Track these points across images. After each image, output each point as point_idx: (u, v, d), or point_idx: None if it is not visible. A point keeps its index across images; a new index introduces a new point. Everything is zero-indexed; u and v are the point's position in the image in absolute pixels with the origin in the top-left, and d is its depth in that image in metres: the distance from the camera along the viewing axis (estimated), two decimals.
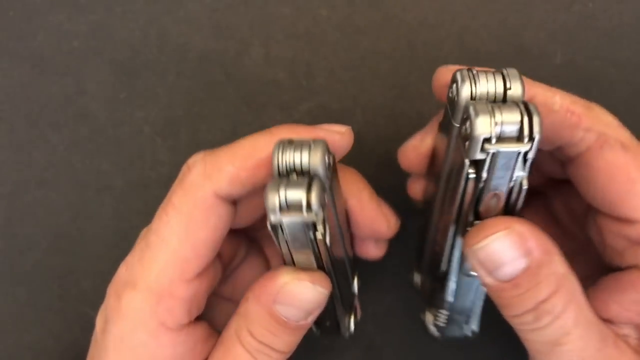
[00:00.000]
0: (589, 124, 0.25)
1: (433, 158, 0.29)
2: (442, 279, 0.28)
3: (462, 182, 0.23)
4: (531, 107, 0.22)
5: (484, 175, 0.22)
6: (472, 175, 0.23)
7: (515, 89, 0.23)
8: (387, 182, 0.36)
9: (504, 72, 0.23)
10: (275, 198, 0.22)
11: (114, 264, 0.37)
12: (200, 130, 0.36)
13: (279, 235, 0.23)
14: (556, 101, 0.25)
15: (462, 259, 0.27)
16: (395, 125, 0.36)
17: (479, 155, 0.22)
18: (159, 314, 0.25)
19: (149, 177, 0.36)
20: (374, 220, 0.29)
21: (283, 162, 0.23)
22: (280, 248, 0.24)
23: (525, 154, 0.22)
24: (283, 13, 0.37)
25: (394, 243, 0.36)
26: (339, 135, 0.26)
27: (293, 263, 0.25)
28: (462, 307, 0.30)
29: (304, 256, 0.24)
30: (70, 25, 0.37)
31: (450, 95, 0.24)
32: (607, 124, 0.25)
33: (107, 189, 0.37)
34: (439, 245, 0.28)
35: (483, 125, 0.21)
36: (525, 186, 0.23)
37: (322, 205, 0.22)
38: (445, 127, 0.26)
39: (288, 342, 0.26)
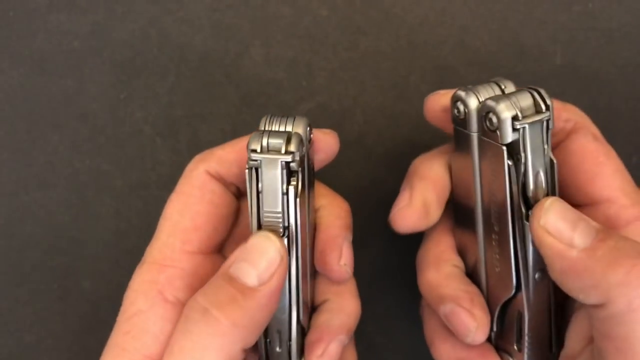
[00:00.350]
0: (567, 115, 0.28)
1: (454, 192, 0.29)
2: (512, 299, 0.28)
3: (506, 174, 0.25)
4: (534, 87, 0.26)
5: (522, 155, 0.25)
6: (511, 162, 0.25)
7: (510, 87, 0.27)
8: (387, 182, 0.36)
9: (494, 80, 0.27)
10: (257, 140, 0.25)
11: (114, 264, 0.37)
12: (201, 130, 0.36)
13: (253, 182, 0.25)
14: None
15: (534, 258, 0.26)
16: (395, 125, 0.36)
17: (513, 136, 0.25)
18: (159, 283, 0.26)
19: (149, 177, 0.36)
20: (330, 256, 0.28)
21: (269, 127, 0.26)
22: (250, 203, 0.25)
23: (547, 122, 0.25)
24: (283, 13, 0.37)
25: (395, 243, 0.36)
26: (323, 134, 0.29)
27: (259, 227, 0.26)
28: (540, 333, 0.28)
29: (272, 217, 0.25)
30: (70, 26, 0.37)
31: (456, 114, 0.27)
32: (581, 116, 0.28)
33: (107, 189, 0.37)
34: (499, 262, 0.28)
35: (506, 108, 0.25)
36: (554, 160, 0.26)
37: (300, 155, 0.25)
38: (461, 148, 0.28)
39: (243, 311, 0.24)
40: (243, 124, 0.36)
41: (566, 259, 0.24)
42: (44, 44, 0.37)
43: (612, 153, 0.28)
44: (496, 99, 0.25)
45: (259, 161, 0.25)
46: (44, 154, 0.36)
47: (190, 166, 0.28)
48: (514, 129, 0.25)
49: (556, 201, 0.25)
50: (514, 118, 0.25)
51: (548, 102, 0.25)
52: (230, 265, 0.25)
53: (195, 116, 0.36)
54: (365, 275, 0.36)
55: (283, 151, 0.25)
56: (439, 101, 0.28)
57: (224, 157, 0.28)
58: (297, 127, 0.26)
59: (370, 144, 0.36)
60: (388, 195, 0.36)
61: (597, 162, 0.27)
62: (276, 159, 0.25)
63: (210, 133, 0.36)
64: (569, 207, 0.25)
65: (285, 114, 0.27)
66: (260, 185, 0.25)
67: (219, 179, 0.28)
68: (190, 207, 0.28)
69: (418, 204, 0.28)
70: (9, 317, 0.36)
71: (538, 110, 0.25)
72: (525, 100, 0.25)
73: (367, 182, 0.36)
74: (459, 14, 0.36)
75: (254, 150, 0.25)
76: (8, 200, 0.36)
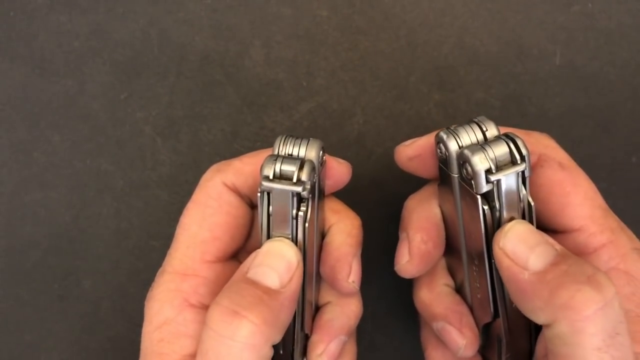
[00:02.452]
0: (531, 148, 0.27)
1: (446, 226, 0.30)
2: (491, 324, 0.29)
3: (481, 219, 0.26)
4: (511, 135, 0.26)
5: (497, 203, 0.26)
6: (486, 207, 0.26)
7: (491, 130, 0.27)
8: (387, 182, 0.36)
9: (476, 120, 0.27)
10: (270, 166, 0.25)
11: (114, 264, 0.37)
12: (201, 130, 0.36)
13: (264, 205, 0.26)
14: None
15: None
16: (395, 125, 0.36)
17: (486, 187, 0.25)
18: (183, 291, 0.27)
19: (150, 177, 0.36)
20: (340, 274, 0.29)
21: (283, 150, 0.27)
22: (261, 223, 0.26)
23: (523, 172, 0.25)
24: (283, 13, 0.37)
25: (394, 243, 0.36)
26: (338, 163, 0.29)
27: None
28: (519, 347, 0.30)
29: (282, 236, 0.26)
30: (71, 26, 0.37)
31: (439, 154, 0.28)
32: (545, 146, 0.28)
33: (108, 189, 0.37)
34: (479, 290, 0.29)
35: (480, 161, 0.25)
36: (532, 202, 0.26)
37: (312, 184, 0.25)
38: (445, 184, 0.28)
39: (271, 310, 0.26)
40: (243, 124, 0.36)
41: (519, 281, 0.24)
42: (44, 44, 0.37)
43: (580, 178, 0.28)
44: (472, 149, 0.25)
45: (271, 188, 0.25)
46: (44, 154, 0.36)
47: (207, 176, 0.29)
48: (488, 181, 0.25)
49: (517, 224, 0.26)
50: (488, 171, 0.25)
51: (524, 152, 0.25)
52: (247, 270, 0.25)
53: (196, 116, 0.36)
54: (365, 275, 0.36)
55: (295, 179, 0.25)
56: (404, 152, 0.30)
57: (241, 170, 0.28)
58: (311, 151, 0.26)
59: (370, 144, 0.36)
60: (388, 195, 0.36)
61: (565, 193, 0.27)
62: (287, 190, 0.25)
63: (211, 133, 0.36)
64: (533, 230, 0.25)
65: (300, 135, 0.27)
66: (271, 208, 0.26)
67: (235, 190, 0.29)
68: (208, 218, 0.28)
69: (417, 259, 0.29)
70: (9, 317, 0.36)
71: (514, 161, 0.25)
72: (501, 150, 0.25)
73: (367, 182, 0.36)
74: (458, 14, 0.36)
75: (267, 177, 0.25)
76: (8, 200, 0.36)
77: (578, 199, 0.27)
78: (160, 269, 0.28)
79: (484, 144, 0.26)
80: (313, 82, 0.36)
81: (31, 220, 0.37)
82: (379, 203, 0.35)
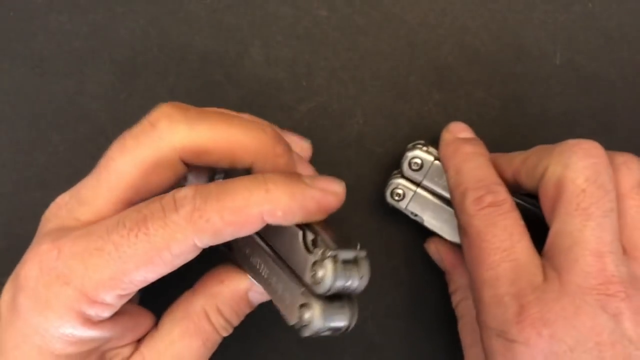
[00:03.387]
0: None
1: None
2: None
3: None
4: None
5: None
6: None
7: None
8: (386, 182, 0.36)
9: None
10: (321, 324, 0.24)
11: None
12: None
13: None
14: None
15: None
16: (395, 125, 0.36)
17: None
18: (87, 314, 0.25)
19: None
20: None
21: (335, 285, 0.23)
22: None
23: None
24: (283, 13, 0.37)
25: (394, 242, 0.36)
26: (333, 197, 0.26)
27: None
28: None
29: None
30: (70, 26, 0.37)
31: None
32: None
33: None
34: None
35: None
36: None
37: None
38: None
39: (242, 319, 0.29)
40: None
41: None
42: (44, 44, 0.37)
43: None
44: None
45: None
46: (44, 154, 0.37)
47: (178, 221, 0.25)
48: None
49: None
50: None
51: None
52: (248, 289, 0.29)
53: None
54: None
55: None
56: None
57: (220, 232, 0.24)
58: (362, 283, 0.24)
59: (370, 144, 0.36)
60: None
61: None
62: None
63: None
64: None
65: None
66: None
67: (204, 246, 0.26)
68: (151, 268, 0.25)
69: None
70: None
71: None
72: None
73: (367, 182, 0.36)
74: (458, 14, 0.36)
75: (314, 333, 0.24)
76: (8, 200, 0.36)
77: None
78: (61, 264, 0.25)
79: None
80: (313, 82, 0.36)
81: (31, 220, 0.37)
82: (379, 203, 0.35)
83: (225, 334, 0.29)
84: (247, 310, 0.29)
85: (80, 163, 0.37)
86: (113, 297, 0.25)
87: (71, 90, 0.37)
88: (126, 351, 0.27)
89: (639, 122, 0.36)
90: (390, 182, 0.34)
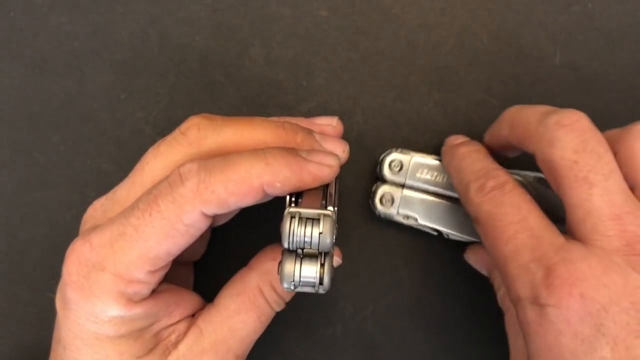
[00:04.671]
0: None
1: None
2: None
3: None
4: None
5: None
6: None
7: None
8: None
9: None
10: (290, 277, 0.26)
11: None
12: None
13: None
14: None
15: None
16: (395, 125, 0.36)
17: None
18: (127, 294, 0.27)
19: None
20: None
21: (294, 239, 0.25)
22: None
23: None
24: (283, 13, 0.37)
25: (395, 242, 0.36)
26: (328, 169, 0.28)
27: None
28: None
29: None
30: (71, 26, 0.37)
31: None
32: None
33: (108, 189, 0.36)
34: None
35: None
36: None
37: (331, 280, 0.26)
38: None
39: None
40: None
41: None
42: (44, 44, 0.37)
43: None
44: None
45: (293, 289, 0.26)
46: (44, 154, 0.37)
47: (185, 193, 0.27)
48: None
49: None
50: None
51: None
52: None
53: None
54: (365, 275, 0.36)
55: (317, 282, 0.26)
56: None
57: (225, 201, 0.26)
58: (324, 237, 0.26)
59: (370, 144, 0.36)
60: None
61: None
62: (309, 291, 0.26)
63: None
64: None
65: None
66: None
67: (212, 216, 0.27)
68: (170, 239, 0.27)
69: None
70: (9, 317, 0.36)
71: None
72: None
73: (367, 182, 0.36)
74: (458, 14, 0.36)
75: (288, 288, 0.26)
76: (9, 200, 0.36)
77: None
78: (95, 255, 0.27)
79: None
80: (313, 82, 0.36)
81: (31, 220, 0.37)
82: None
83: (278, 309, 0.31)
84: None
85: (80, 163, 0.37)
86: (145, 274, 0.27)
87: (71, 90, 0.37)
88: (181, 327, 0.29)
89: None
90: (375, 191, 0.35)
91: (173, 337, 0.29)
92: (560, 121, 0.28)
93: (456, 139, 0.34)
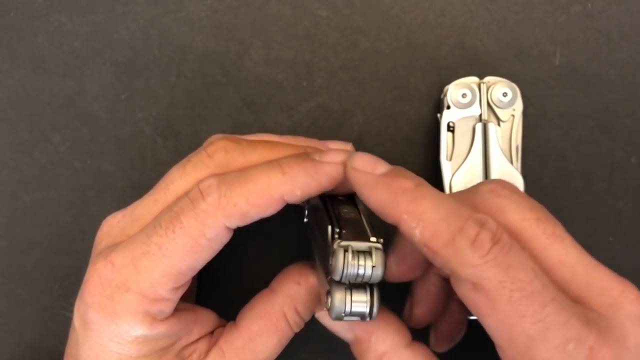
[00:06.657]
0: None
1: None
2: None
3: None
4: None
5: None
6: None
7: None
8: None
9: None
10: (341, 309, 0.26)
11: None
12: (201, 130, 0.36)
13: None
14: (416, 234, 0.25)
15: None
16: (395, 126, 0.36)
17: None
18: (152, 313, 0.27)
19: (150, 178, 0.36)
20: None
21: (347, 272, 0.25)
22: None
23: None
24: (283, 14, 0.37)
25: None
26: (342, 167, 0.27)
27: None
28: None
29: None
30: (71, 26, 0.37)
31: None
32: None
33: (108, 190, 0.37)
34: None
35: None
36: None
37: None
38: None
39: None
40: (243, 124, 0.36)
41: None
42: (44, 45, 0.37)
43: None
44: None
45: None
46: (44, 154, 0.37)
47: (207, 209, 0.27)
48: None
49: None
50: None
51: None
52: None
53: (196, 116, 0.36)
54: None
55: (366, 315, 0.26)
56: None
57: (247, 214, 0.27)
58: (377, 270, 0.26)
59: (370, 144, 0.36)
60: None
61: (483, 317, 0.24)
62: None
63: (211, 133, 0.36)
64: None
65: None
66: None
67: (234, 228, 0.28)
68: (194, 255, 0.27)
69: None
70: (9, 317, 0.37)
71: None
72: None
73: None
74: (458, 14, 0.36)
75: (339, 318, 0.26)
76: (9, 200, 0.36)
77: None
78: (118, 276, 0.27)
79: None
80: (313, 82, 0.36)
81: (31, 220, 0.37)
82: None
83: (297, 330, 0.31)
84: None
85: (80, 163, 0.37)
86: (169, 291, 0.27)
87: (71, 90, 0.37)
88: (202, 346, 0.29)
89: (639, 122, 0.36)
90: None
91: (194, 357, 0.29)
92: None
93: (370, 164, 0.27)
